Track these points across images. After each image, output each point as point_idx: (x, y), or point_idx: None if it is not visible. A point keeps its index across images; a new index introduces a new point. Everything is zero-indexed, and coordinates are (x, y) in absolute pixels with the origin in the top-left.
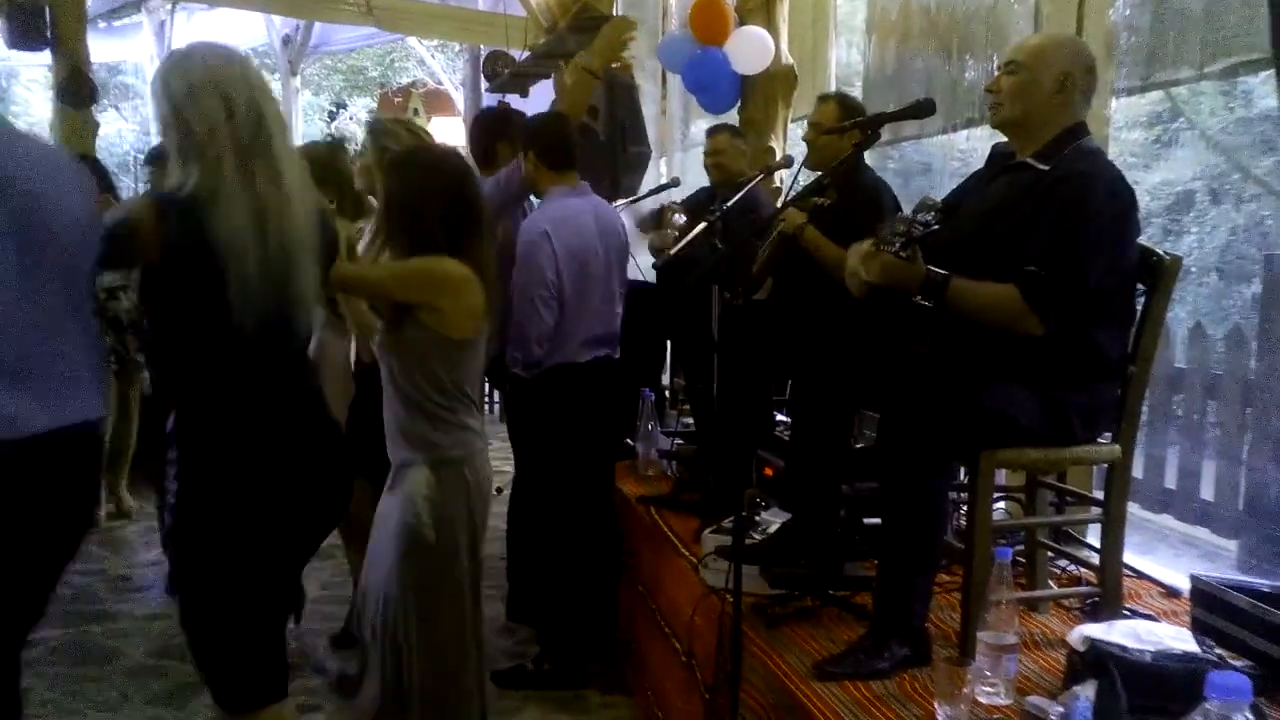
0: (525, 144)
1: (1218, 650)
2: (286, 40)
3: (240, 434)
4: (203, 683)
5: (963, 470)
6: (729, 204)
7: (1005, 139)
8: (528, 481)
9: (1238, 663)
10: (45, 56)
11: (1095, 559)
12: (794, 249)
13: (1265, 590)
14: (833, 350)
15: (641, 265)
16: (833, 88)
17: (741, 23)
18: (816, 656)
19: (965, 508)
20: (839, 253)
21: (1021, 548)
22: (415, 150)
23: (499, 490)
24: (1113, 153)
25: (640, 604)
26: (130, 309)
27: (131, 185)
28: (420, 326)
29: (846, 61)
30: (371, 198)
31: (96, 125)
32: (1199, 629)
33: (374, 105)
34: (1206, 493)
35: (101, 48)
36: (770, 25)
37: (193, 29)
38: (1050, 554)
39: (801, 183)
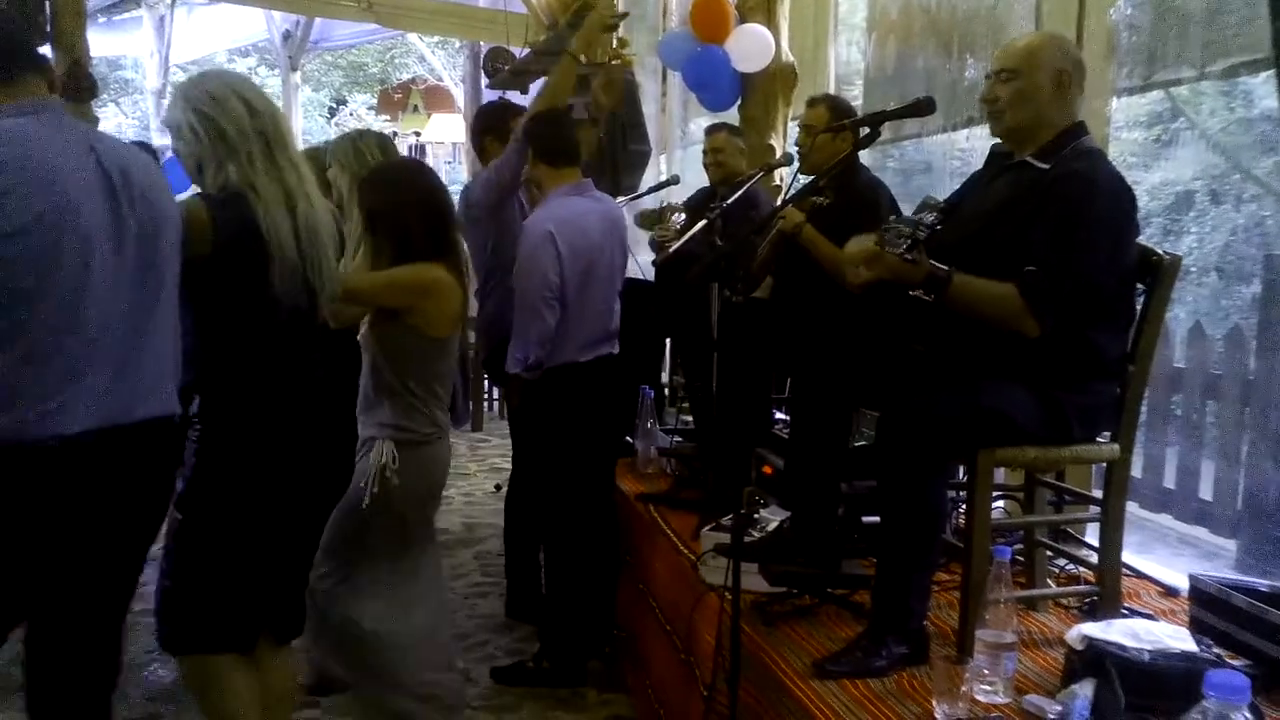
0: (525, 141)
1: (1216, 650)
2: (286, 36)
3: (262, 411)
4: (156, 617)
5: (961, 469)
6: (728, 202)
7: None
8: (527, 480)
9: (1236, 662)
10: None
11: (1094, 558)
12: (792, 247)
13: (1264, 590)
14: (832, 349)
15: (641, 263)
16: (832, 86)
17: (742, 20)
18: (815, 655)
19: (964, 506)
20: (836, 251)
21: (1020, 546)
22: (392, 165)
23: (498, 488)
24: (1113, 153)
25: (639, 601)
26: None
27: None
28: (404, 326)
29: (846, 60)
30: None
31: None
32: (1197, 628)
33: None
34: (1205, 492)
35: (101, 42)
36: (771, 23)
37: (192, 24)
38: (1049, 553)
39: (801, 181)
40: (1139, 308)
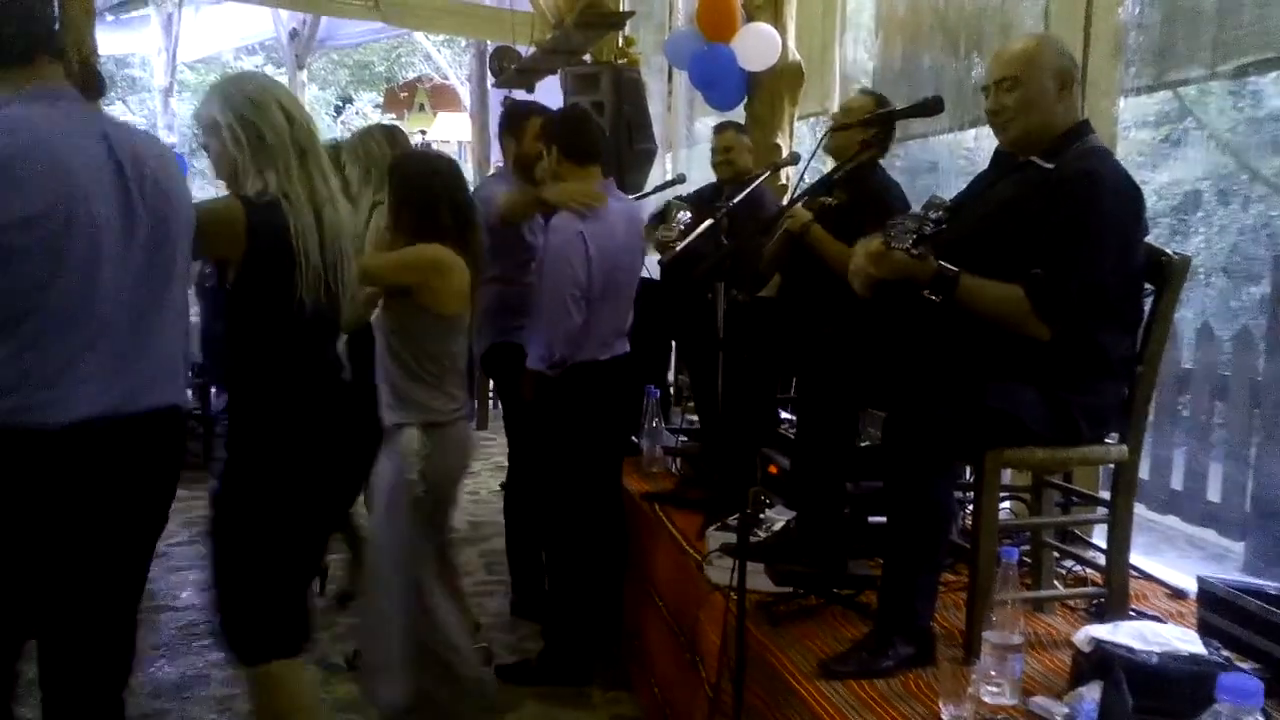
0: (548, 139)
1: (1224, 652)
2: (293, 34)
3: (288, 405)
4: (220, 634)
5: (968, 469)
6: (734, 201)
7: None
8: (528, 477)
9: (1244, 665)
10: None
11: (1101, 559)
12: (799, 247)
13: (1272, 592)
14: (838, 348)
15: (646, 262)
16: (839, 86)
17: (749, 19)
18: (821, 655)
19: (971, 507)
20: (844, 251)
21: (1027, 548)
22: (419, 155)
23: (502, 486)
24: (1120, 152)
25: (644, 601)
26: None
27: None
28: (415, 305)
29: (854, 59)
30: None
31: None
32: (1205, 631)
33: (380, 100)
34: (1213, 494)
35: (109, 40)
36: (778, 22)
37: (200, 22)
38: (1056, 554)
39: (808, 180)
40: (1147, 308)
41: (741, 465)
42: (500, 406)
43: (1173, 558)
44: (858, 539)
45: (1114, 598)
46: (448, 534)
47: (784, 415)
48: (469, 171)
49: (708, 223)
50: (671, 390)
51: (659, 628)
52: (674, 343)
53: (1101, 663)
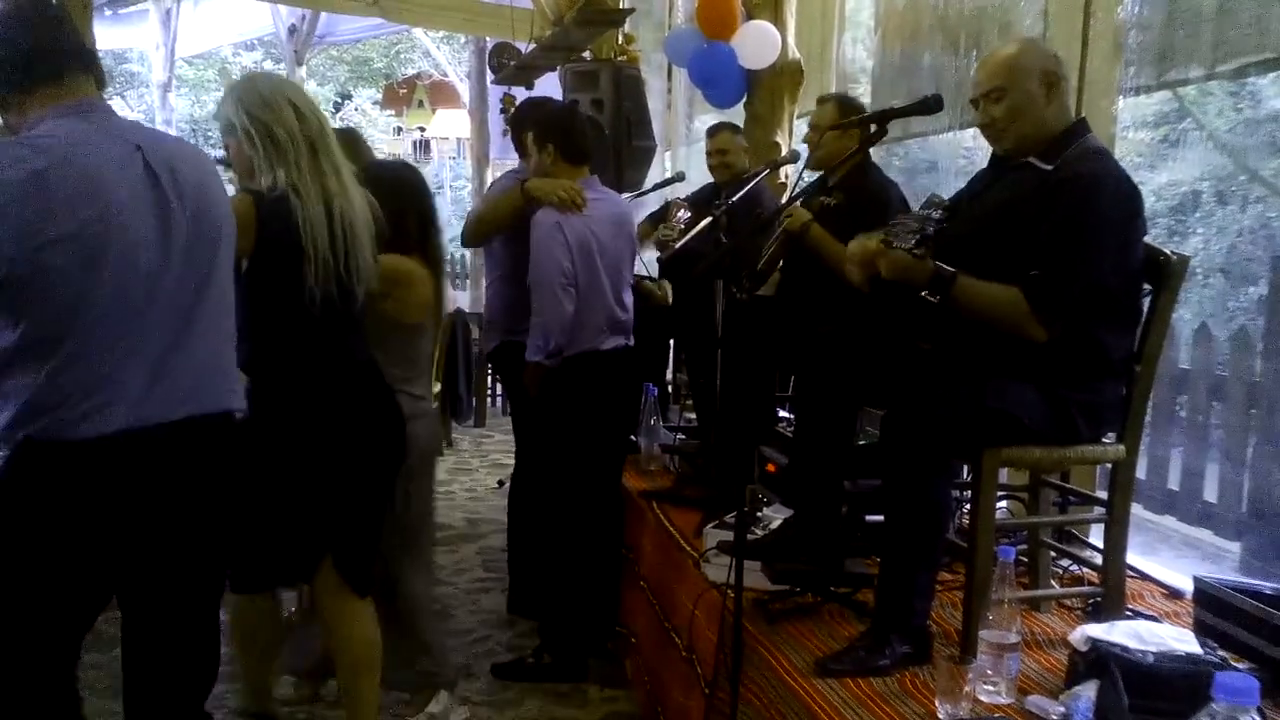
0: (543, 137)
1: (1220, 652)
2: (292, 30)
3: (303, 391)
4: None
5: (965, 468)
6: (734, 199)
7: None
8: (534, 473)
9: (1240, 665)
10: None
11: (1098, 559)
12: (798, 246)
13: (1268, 593)
14: (836, 346)
15: (646, 260)
16: (838, 84)
17: (749, 17)
18: (817, 653)
19: (968, 506)
20: (843, 250)
21: (1024, 547)
22: (388, 165)
23: (500, 483)
24: (1119, 152)
25: (641, 599)
26: None
27: None
28: (377, 314)
29: (853, 57)
30: None
31: None
32: (1201, 630)
33: (379, 96)
34: (1210, 494)
35: (107, 35)
36: (778, 20)
37: (198, 17)
38: (1053, 553)
39: (808, 179)
40: (1145, 308)
41: (739, 463)
42: (497, 405)
43: (1169, 558)
44: (855, 537)
45: (1110, 597)
46: (422, 520)
47: (782, 413)
48: (468, 168)
49: (706, 221)
50: (670, 388)
51: (656, 626)
52: (672, 341)
53: (1098, 662)
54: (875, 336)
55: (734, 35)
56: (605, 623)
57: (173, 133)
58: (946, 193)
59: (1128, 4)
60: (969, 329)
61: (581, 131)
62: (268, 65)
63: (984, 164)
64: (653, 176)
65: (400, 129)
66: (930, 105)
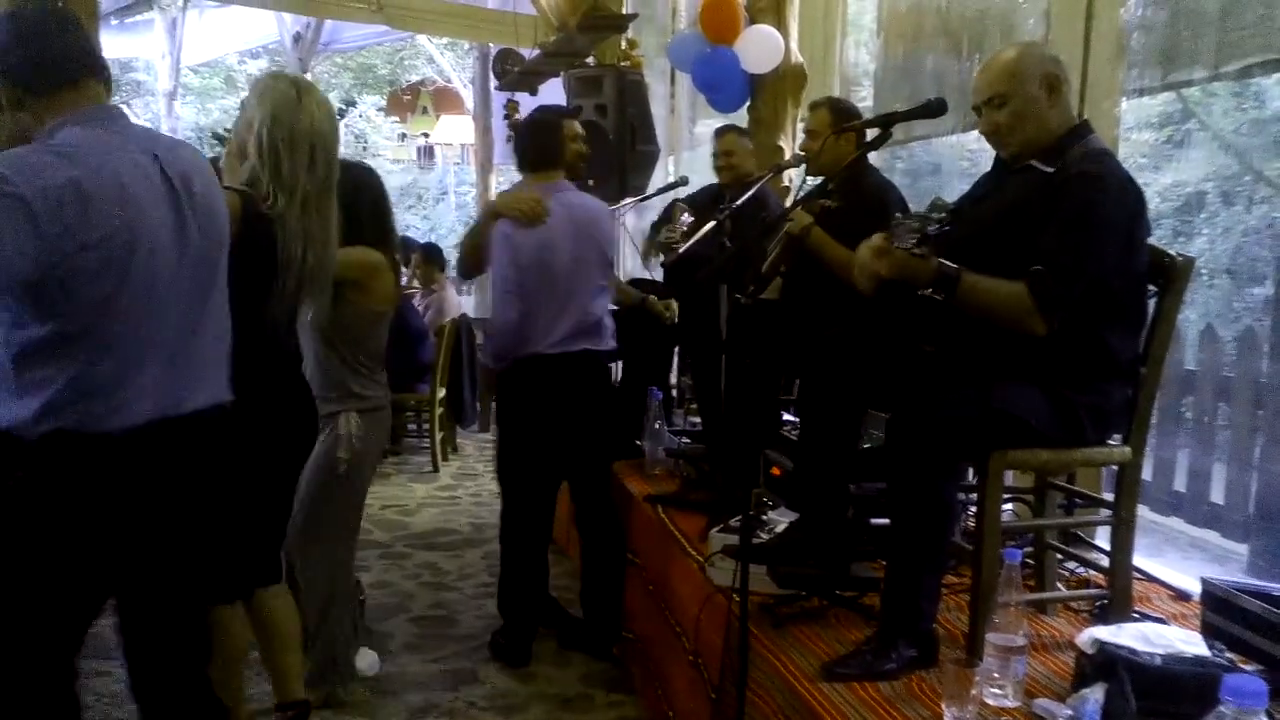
0: (515, 147)
1: (1228, 654)
2: (297, 38)
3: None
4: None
5: (971, 471)
6: (737, 203)
7: None
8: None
9: (1248, 667)
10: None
11: (1104, 561)
12: (801, 250)
13: (1276, 594)
14: (841, 350)
15: (650, 264)
16: (840, 88)
17: (752, 22)
18: (824, 657)
19: (974, 509)
20: (846, 254)
21: (1030, 549)
22: (346, 166)
23: None
24: (1123, 154)
25: (647, 603)
26: None
27: None
28: (349, 302)
29: (855, 61)
30: None
31: None
32: (1209, 633)
33: (383, 103)
34: (1216, 496)
35: (114, 44)
36: (780, 24)
37: (204, 26)
38: (1059, 556)
39: (810, 183)
40: (1151, 309)
41: (744, 467)
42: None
43: (1176, 560)
44: (861, 541)
45: (1117, 599)
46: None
47: (787, 417)
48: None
49: (710, 225)
50: (674, 392)
51: (662, 630)
52: (677, 345)
53: (1105, 664)
54: (879, 340)
55: (737, 40)
56: (611, 628)
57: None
58: (950, 196)
59: (1131, 5)
60: (973, 331)
61: (543, 140)
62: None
63: (988, 167)
64: (656, 181)
65: (404, 135)
66: (934, 108)
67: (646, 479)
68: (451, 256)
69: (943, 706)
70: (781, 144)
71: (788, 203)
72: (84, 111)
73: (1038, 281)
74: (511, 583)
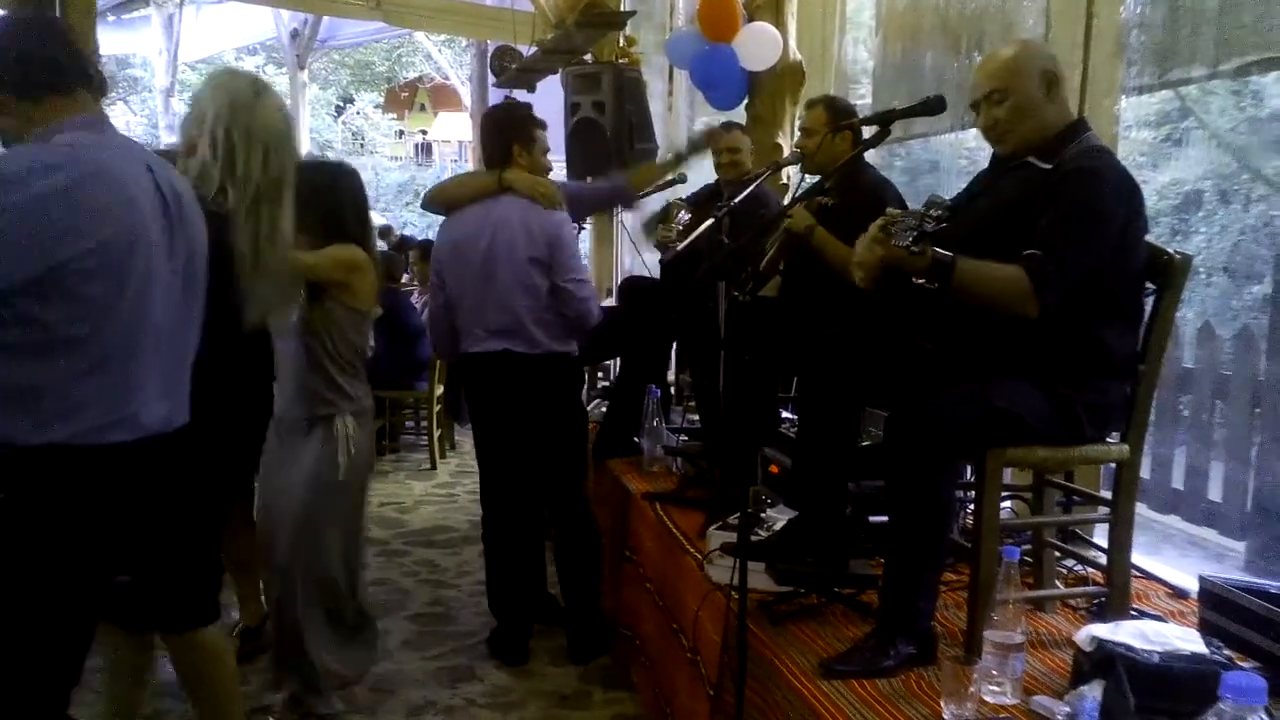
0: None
1: (1226, 651)
2: (294, 34)
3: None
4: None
5: (969, 469)
6: (735, 200)
7: None
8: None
9: (1245, 664)
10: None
11: (1102, 559)
12: (800, 247)
13: (1274, 592)
14: (840, 347)
15: (647, 261)
16: (838, 85)
17: (750, 19)
18: (822, 654)
19: (972, 506)
20: (847, 252)
21: (1028, 547)
22: (324, 164)
23: None
24: (1121, 152)
25: (645, 600)
26: None
27: None
28: (336, 301)
29: (854, 58)
30: None
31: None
32: (1207, 630)
33: (381, 100)
34: (1214, 493)
35: (111, 40)
36: (779, 22)
37: (201, 22)
38: (1057, 553)
39: (809, 180)
40: (1149, 307)
41: (742, 464)
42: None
43: (1174, 557)
44: (859, 538)
45: (1115, 597)
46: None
47: (785, 414)
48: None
49: (709, 222)
50: (673, 389)
51: (660, 627)
52: (675, 342)
53: (1103, 662)
54: (878, 337)
55: (735, 37)
56: (595, 624)
57: (174, 138)
58: (949, 194)
59: (1130, 3)
60: (972, 329)
61: (487, 139)
62: (270, 70)
63: (986, 165)
64: None
65: (402, 132)
66: (932, 106)
67: (645, 476)
68: None
69: (941, 704)
70: (780, 141)
71: (786, 200)
72: (79, 118)
73: (1034, 262)
74: (496, 582)
